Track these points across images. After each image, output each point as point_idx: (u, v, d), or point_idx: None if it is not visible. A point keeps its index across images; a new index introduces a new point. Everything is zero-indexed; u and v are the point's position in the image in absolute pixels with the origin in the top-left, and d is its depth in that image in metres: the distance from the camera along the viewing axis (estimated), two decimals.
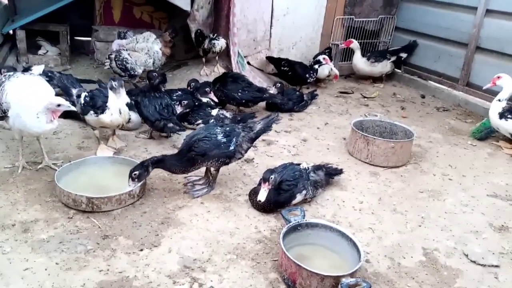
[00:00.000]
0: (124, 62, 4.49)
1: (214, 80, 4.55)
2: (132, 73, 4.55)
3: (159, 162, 2.82)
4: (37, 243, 2.41)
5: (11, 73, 3.03)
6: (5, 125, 3.55)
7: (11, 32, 5.32)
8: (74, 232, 2.53)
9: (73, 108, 2.94)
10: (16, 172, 3.05)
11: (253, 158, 3.61)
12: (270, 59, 5.48)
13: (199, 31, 5.19)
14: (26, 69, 3.93)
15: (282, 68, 5.29)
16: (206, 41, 5.09)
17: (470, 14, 5.22)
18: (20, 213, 2.65)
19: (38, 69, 3.95)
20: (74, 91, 3.39)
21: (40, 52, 5.50)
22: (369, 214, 3.01)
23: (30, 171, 3.08)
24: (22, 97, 2.79)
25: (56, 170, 2.99)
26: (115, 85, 3.17)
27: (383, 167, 3.64)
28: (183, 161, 2.86)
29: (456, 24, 5.39)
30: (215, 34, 5.14)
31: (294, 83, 5.32)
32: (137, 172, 2.72)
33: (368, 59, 5.81)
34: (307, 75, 5.21)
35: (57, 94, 3.03)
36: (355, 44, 5.78)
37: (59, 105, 2.79)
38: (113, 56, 4.61)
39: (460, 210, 3.14)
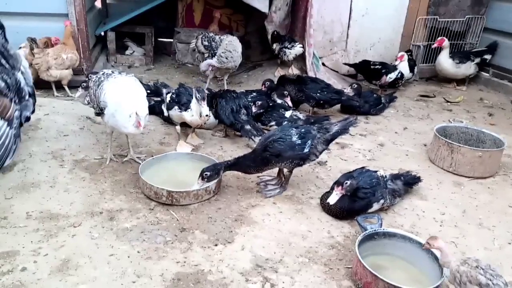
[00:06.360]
0: (211, 40, 4.66)
1: (290, 80, 4.51)
2: (214, 51, 4.67)
3: (232, 166, 2.89)
4: (121, 231, 2.57)
5: (109, 72, 3.17)
6: (95, 120, 3.86)
7: (102, 33, 5.76)
8: (155, 223, 2.66)
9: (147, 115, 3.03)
10: (104, 164, 3.28)
11: (326, 161, 3.55)
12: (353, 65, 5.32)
13: (275, 32, 5.23)
14: None
15: (372, 66, 5.08)
16: (277, 47, 5.10)
17: None
18: (107, 202, 2.84)
19: None
20: (164, 91, 3.68)
21: (127, 52, 5.91)
22: (452, 227, 2.81)
23: (116, 163, 3.31)
24: (119, 99, 2.97)
25: (139, 163, 3.18)
26: (198, 96, 3.28)
27: (468, 177, 3.39)
28: (257, 161, 2.89)
29: None
30: (289, 40, 5.10)
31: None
32: (208, 173, 2.80)
33: (452, 60, 5.44)
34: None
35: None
36: (446, 42, 5.44)
37: (136, 114, 2.88)
38: (200, 36, 4.78)
39: None
